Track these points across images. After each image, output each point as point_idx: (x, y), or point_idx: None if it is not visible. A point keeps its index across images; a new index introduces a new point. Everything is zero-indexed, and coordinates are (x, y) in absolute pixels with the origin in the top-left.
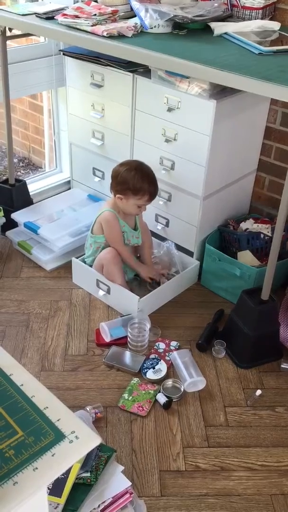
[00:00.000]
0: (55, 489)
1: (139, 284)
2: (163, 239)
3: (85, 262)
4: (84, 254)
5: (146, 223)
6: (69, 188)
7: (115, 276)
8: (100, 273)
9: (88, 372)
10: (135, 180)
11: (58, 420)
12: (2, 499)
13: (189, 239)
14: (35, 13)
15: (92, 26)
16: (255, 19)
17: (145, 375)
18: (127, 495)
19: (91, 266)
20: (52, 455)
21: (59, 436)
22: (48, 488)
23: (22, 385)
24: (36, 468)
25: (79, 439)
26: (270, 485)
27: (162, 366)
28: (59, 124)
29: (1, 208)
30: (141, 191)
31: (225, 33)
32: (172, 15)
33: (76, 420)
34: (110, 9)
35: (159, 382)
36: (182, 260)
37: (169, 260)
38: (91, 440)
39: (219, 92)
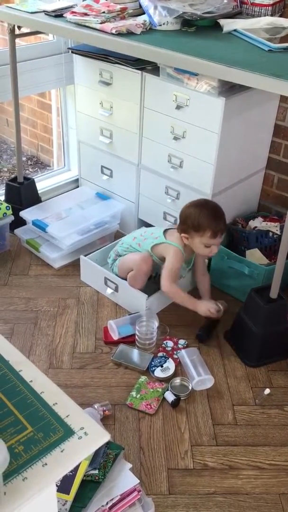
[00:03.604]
0: (63, 486)
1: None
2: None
3: (94, 259)
4: (97, 249)
5: (205, 265)
6: (77, 186)
7: (138, 284)
8: (122, 271)
9: (96, 370)
10: (194, 216)
11: (67, 416)
12: (11, 494)
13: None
14: (44, 11)
15: (101, 23)
16: (265, 16)
17: (153, 373)
18: (135, 493)
19: (118, 256)
20: (61, 451)
21: (68, 432)
22: (56, 485)
23: (31, 381)
24: (45, 464)
25: (88, 435)
26: (278, 484)
27: (170, 364)
28: (67, 122)
29: (10, 206)
30: (201, 227)
31: (235, 30)
32: (181, 12)
33: (85, 416)
34: (119, 7)
35: (167, 380)
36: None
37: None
38: (100, 436)
39: (228, 89)
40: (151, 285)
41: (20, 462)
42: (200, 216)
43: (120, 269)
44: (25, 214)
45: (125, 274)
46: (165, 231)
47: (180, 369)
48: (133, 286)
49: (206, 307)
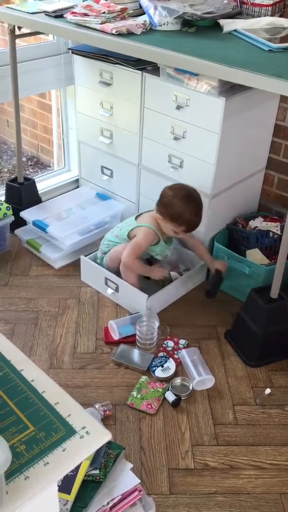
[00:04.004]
0: (64, 486)
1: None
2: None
3: (94, 260)
4: (98, 250)
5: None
6: (78, 187)
7: (132, 275)
8: (112, 265)
9: (97, 370)
10: (176, 208)
11: (69, 416)
12: (13, 493)
13: (198, 237)
14: (44, 12)
15: (101, 24)
16: (265, 16)
17: (154, 373)
18: (136, 493)
19: (104, 254)
20: (63, 450)
21: (70, 432)
22: (58, 485)
23: (33, 380)
24: (47, 463)
25: (90, 434)
26: (279, 483)
27: (171, 364)
28: (67, 123)
29: (10, 206)
30: (180, 220)
31: (235, 30)
32: (181, 12)
33: (87, 415)
34: (119, 7)
35: (167, 380)
36: (190, 258)
37: (177, 259)
38: (102, 435)
39: (228, 89)
40: (151, 285)
41: (22, 461)
42: (183, 210)
43: (109, 266)
44: (25, 214)
45: (113, 265)
46: (138, 216)
47: (180, 369)
48: (128, 278)
49: (159, 273)
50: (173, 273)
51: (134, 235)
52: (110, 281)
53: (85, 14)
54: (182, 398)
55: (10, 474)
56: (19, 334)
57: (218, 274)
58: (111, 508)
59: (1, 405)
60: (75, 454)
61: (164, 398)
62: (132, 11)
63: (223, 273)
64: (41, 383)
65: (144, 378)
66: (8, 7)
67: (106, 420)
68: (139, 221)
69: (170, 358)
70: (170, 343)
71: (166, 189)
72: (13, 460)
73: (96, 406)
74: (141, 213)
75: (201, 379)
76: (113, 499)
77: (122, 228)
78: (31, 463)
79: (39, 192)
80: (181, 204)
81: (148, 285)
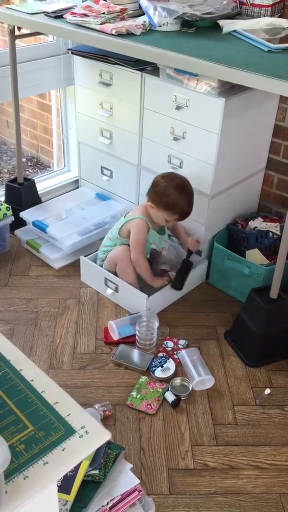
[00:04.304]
0: (64, 486)
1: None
2: (169, 236)
3: (94, 260)
4: (97, 250)
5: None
6: (77, 187)
7: (129, 274)
8: (111, 269)
9: (97, 370)
10: (172, 198)
11: (68, 415)
12: (12, 493)
13: (198, 237)
14: (44, 12)
15: (100, 24)
16: (264, 16)
17: (154, 374)
18: (136, 493)
19: (103, 260)
20: (63, 450)
21: (69, 431)
22: (57, 485)
23: (32, 380)
24: (47, 463)
25: (89, 434)
26: (279, 484)
27: (171, 365)
28: (67, 123)
29: (10, 207)
30: (174, 209)
31: (234, 31)
32: (180, 13)
33: (86, 415)
34: (118, 7)
35: (167, 380)
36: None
37: (176, 260)
38: (101, 435)
39: (228, 90)
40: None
41: (21, 461)
42: (178, 199)
43: (109, 271)
44: (25, 214)
45: (120, 272)
46: (127, 214)
47: (180, 369)
48: (126, 278)
49: (159, 283)
50: (171, 273)
51: (125, 232)
52: (109, 281)
53: (85, 15)
54: (182, 399)
55: (10, 473)
56: (19, 334)
57: (189, 253)
58: (110, 508)
59: (1, 405)
60: (75, 454)
61: (164, 399)
62: (131, 11)
63: (194, 253)
64: (40, 383)
65: (143, 378)
66: (8, 7)
67: (105, 420)
68: (128, 216)
69: (170, 359)
70: (170, 344)
71: (158, 177)
72: (12, 459)
73: (96, 406)
74: (128, 212)
75: (200, 379)
76: (112, 499)
77: (114, 229)
78: (30, 463)
79: (39, 193)
80: (175, 194)
81: (147, 285)
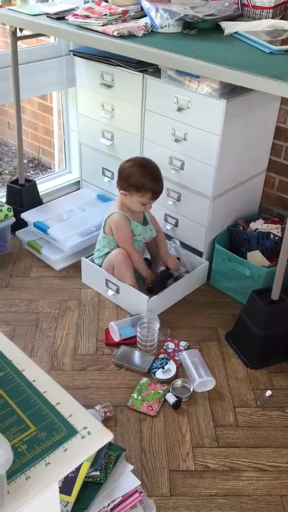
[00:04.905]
0: (65, 487)
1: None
2: (169, 237)
3: (93, 262)
4: (93, 254)
5: (153, 215)
6: (79, 188)
7: (126, 276)
8: (109, 273)
9: (98, 371)
10: (137, 177)
11: (70, 416)
12: (15, 493)
13: (199, 239)
14: (46, 14)
15: (102, 26)
16: (266, 18)
17: (155, 375)
18: (137, 494)
19: (100, 265)
20: (65, 450)
21: (71, 432)
22: (58, 486)
23: (34, 380)
24: (49, 463)
25: (91, 434)
26: (280, 485)
27: (172, 366)
28: (68, 125)
29: (11, 208)
30: (144, 188)
31: (236, 33)
32: (182, 15)
33: (88, 415)
34: (120, 9)
35: (168, 382)
36: (189, 260)
37: (179, 257)
38: (103, 435)
39: (229, 91)
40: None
41: (23, 461)
42: (143, 177)
43: (108, 271)
44: (26, 216)
45: (118, 275)
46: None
47: (181, 371)
48: (124, 281)
49: (152, 278)
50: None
51: (108, 229)
52: (110, 282)
53: (87, 16)
54: (183, 400)
55: (12, 474)
56: (20, 335)
57: (166, 270)
58: (111, 509)
59: (3, 405)
60: (77, 454)
61: (165, 400)
62: (133, 13)
63: (172, 271)
64: (42, 383)
65: (144, 379)
66: (10, 9)
67: (106, 422)
68: (108, 212)
69: (171, 360)
70: (171, 345)
71: (121, 164)
72: (14, 460)
73: (97, 408)
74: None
75: (201, 380)
76: (113, 501)
77: (100, 230)
78: (32, 463)
79: (40, 194)
80: (139, 172)
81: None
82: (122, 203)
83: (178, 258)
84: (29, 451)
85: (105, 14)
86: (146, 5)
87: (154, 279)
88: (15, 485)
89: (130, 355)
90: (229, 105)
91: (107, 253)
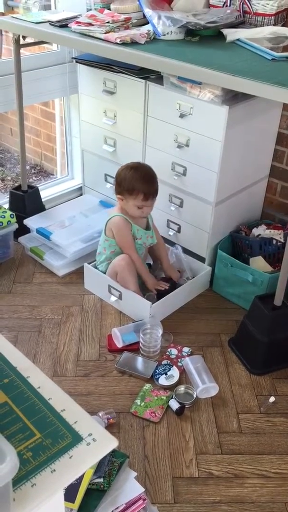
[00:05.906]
0: (69, 494)
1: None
2: (171, 243)
3: (96, 267)
4: (95, 259)
5: (155, 225)
6: (81, 195)
7: (129, 283)
8: (113, 280)
9: (100, 377)
10: (128, 180)
11: (75, 423)
12: (20, 500)
13: (201, 245)
14: (48, 21)
15: (105, 33)
16: (268, 25)
17: (158, 381)
18: (140, 501)
19: (104, 272)
20: (70, 457)
21: (76, 438)
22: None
23: (39, 387)
24: (54, 470)
25: (97, 441)
26: (284, 492)
27: (175, 372)
28: (71, 131)
29: (14, 214)
30: (135, 190)
31: (238, 40)
32: (184, 22)
33: (93, 422)
34: (123, 17)
35: (171, 388)
36: (191, 266)
37: (180, 268)
38: (109, 442)
39: (231, 98)
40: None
41: (28, 468)
42: (134, 179)
43: (112, 278)
44: (29, 222)
45: (121, 282)
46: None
47: (184, 377)
48: (127, 287)
49: (154, 284)
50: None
51: (110, 231)
52: (113, 288)
53: (90, 24)
54: (186, 406)
55: (17, 481)
56: (23, 341)
57: (173, 282)
58: None
59: (8, 412)
60: (82, 461)
61: (168, 406)
62: (136, 20)
63: (177, 282)
64: (47, 390)
65: (147, 386)
66: (13, 17)
67: (109, 428)
68: (109, 215)
69: (174, 366)
70: (174, 351)
71: (118, 170)
72: (20, 467)
73: (100, 414)
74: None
75: (205, 387)
76: (117, 508)
77: (102, 234)
78: (38, 470)
79: (43, 200)
80: (130, 174)
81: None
82: (121, 207)
83: (179, 271)
84: (35, 458)
85: (108, 22)
86: (148, 12)
87: (164, 290)
88: (21, 493)
89: (133, 361)
90: (231, 112)
91: (109, 256)
